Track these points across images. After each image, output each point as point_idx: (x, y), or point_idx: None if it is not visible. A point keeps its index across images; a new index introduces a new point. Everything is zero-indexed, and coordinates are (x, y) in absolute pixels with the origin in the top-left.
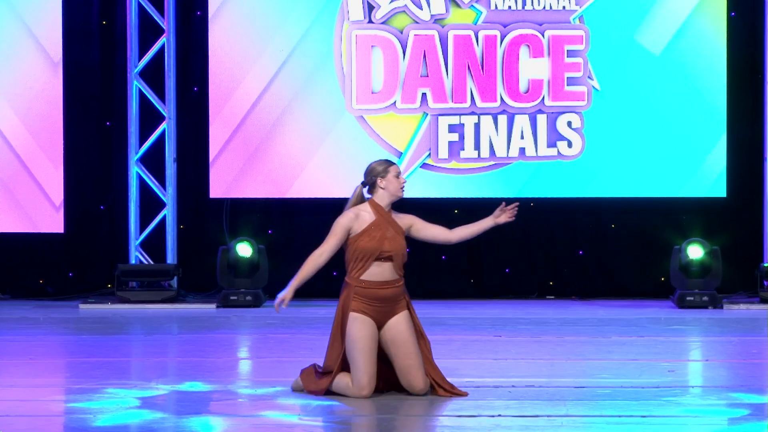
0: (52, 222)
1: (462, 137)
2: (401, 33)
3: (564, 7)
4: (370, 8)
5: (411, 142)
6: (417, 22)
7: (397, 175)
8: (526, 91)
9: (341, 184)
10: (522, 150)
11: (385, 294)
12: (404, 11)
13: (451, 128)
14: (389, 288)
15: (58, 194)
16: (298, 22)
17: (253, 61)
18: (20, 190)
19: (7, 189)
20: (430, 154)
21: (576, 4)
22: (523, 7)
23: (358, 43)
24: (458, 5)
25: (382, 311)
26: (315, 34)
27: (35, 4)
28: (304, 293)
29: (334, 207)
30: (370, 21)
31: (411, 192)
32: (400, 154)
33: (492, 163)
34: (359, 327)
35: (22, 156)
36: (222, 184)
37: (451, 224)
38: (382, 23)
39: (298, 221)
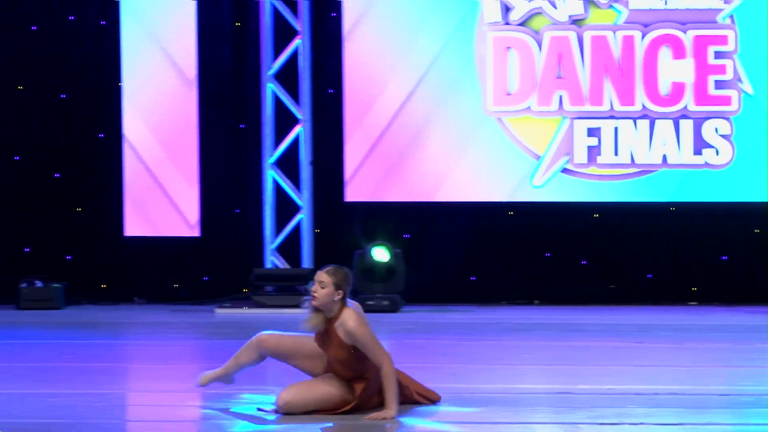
0: (188, 227)
1: (600, 142)
2: (537, 34)
3: (710, 6)
4: (507, 9)
5: (549, 145)
6: (554, 23)
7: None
8: (668, 95)
9: (480, 188)
10: (664, 157)
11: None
12: (540, 12)
13: (590, 132)
14: None
15: (193, 202)
16: (440, 26)
17: (393, 64)
18: (155, 197)
19: (142, 195)
20: (569, 159)
21: (724, 2)
22: (666, 6)
23: (494, 45)
24: (597, 5)
25: None
26: (457, 38)
27: (167, 14)
28: (441, 299)
29: (472, 211)
30: (507, 23)
31: (551, 197)
32: (538, 158)
33: (635, 170)
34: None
35: (156, 167)
36: (357, 188)
37: (589, 230)
38: (519, 24)
39: (435, 225)
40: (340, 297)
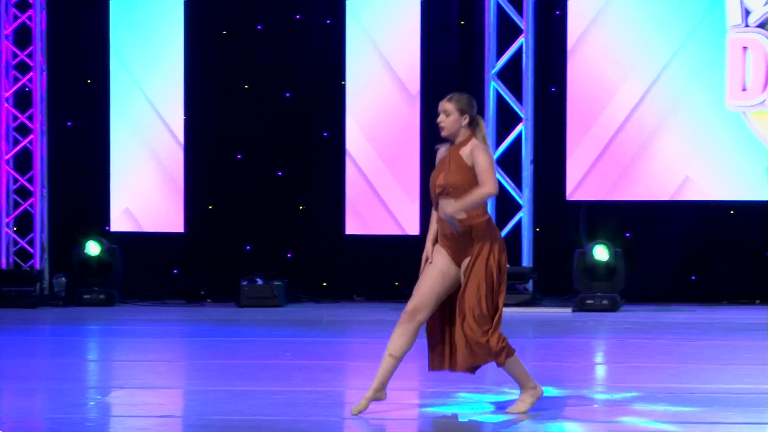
0: (412, 224)
1: None
2: None
3: None
4: (747, 13)
5: None
6: None
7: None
8: None
9: (716, 185)
10: None
11: (450, 233)
12: None
13: None
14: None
15: (414, 195)
16: (677, 28)
17: (624, 65)
18: (381, 191)
19: (369, 190)
20: None
21: None
22: None
23: (731, 45)
24: None
25: (452, 250)
26: (695, 39)
27: (391, 14)
28: (661, 298)
29: (693, 209)
30: (747, 25)
31: None
32: None
33: None
34: (434, 257)
35: (374, 172)
36: (579, 186)
37: None
38: (757, 26)
39: (656, 224)
40: (467, 122)
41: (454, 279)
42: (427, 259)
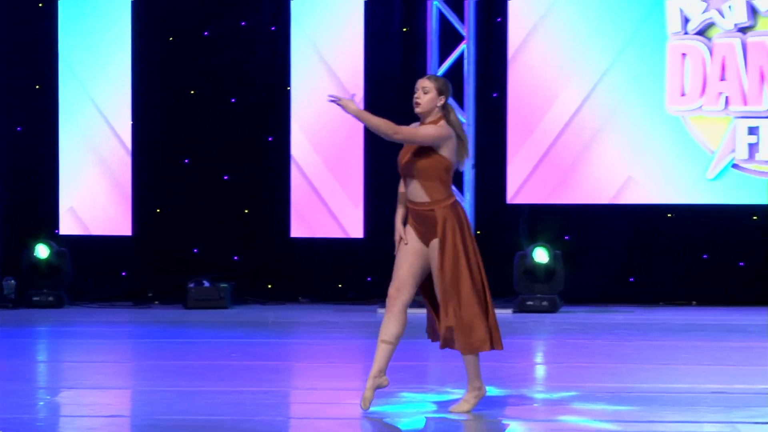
0: (356, 228)
1: (758, 140)
2: (709, 41)
3: None
4: (686, 21)
5: (721, 143)
6: (723, 32)
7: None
8: None
9: (651, 189)
10: None
11: (415, 214)
12: (712, 22)
13: (750, 130)
14: (417, 208)
15: (358, 199)
16: (617, 34)
17: (564, 70)
18: (325, 195)
19: (314, 194)
20: (734, 157)
21: None
22: None
23: (671, 52)
24: (761, 14)
25: (419, 231)
26: (635, 45)
27: (335, 19)
28: (600, 300)
29: (631, 213)
30: (686, 32)
31: (720, 197)
32: (712, 152)
33: None
34: (408, 238)
35: (318, 176)
36: (520, 190)
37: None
38: (695, 34)
39: (595, 227)
40: (441, 103)
41: (428, 257)
42: (401, 239)
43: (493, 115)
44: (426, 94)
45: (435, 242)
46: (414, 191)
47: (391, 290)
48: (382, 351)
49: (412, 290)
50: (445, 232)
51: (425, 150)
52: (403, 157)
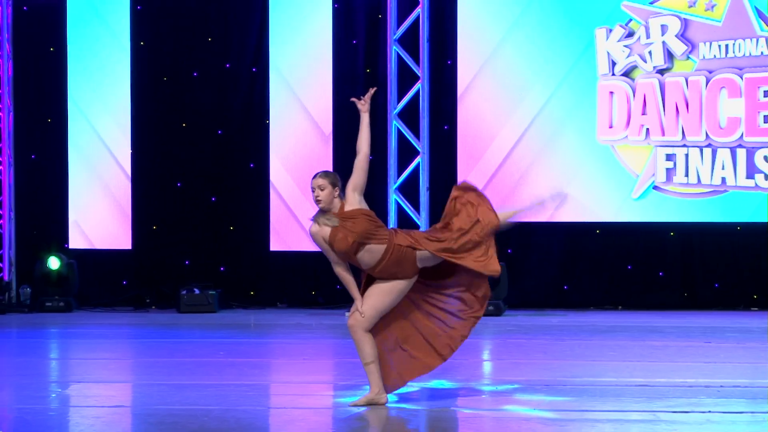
0: None
1: (675, 165)
2: (633, 81)
3: (762, 53)
4: (613, 64)
5: (644, 168)
6: (645, 73)
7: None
8: (725, 127)
9: (583, 209)
10: (723, 179)
11: (373, 266)
12: (636, 65)
13: (668, 157)
14: (382, 263)
15: None
16: (553, 75)
17: (506, 105)
18: (299, 214)
19: (289, 213)
20: (654, 180)
21: None
22: (726, 56)
23: (600, 90)
24: (676, 58)
25: (384, 274)
26: (568, 84)
27: (307, 63)
28: (538, 304)
29: (565, 229)
30: (613, 74)
31: (643, 215)
32: (636, 176)
33: (708, 190)
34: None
35: (293, 198)
36: None
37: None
38: (621, 75)
39: (534, 242)
40: (337, 193)
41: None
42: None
43: (444, 145)
44: (323, 191)
45: (422, 253)
46: (368, 256)
47: (350, 321)
48: (373, 371)
49: (369, 324)
50: (419, 243)
51: (357, 219)
52: (343, 240)
